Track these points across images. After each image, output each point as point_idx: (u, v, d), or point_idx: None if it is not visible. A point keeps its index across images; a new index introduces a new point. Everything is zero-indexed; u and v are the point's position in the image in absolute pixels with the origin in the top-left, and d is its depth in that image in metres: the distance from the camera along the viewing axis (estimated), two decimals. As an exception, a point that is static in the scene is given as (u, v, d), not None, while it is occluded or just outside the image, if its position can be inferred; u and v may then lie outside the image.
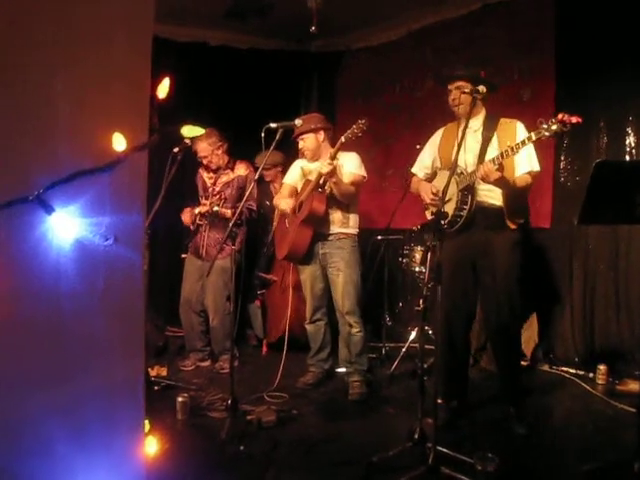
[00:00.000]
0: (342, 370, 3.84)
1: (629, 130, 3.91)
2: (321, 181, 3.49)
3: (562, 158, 4.21)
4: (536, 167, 2.95)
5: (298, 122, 3.10)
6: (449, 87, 3.07)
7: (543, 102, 4.22)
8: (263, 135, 3.01)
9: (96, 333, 1.36)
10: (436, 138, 3.29)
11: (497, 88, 3.10)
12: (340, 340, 3.74)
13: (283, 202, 3.74)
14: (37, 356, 1.31)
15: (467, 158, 3.01)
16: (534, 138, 2.61)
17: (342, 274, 3.59)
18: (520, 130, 2.95)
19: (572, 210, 3.95)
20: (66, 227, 1.29)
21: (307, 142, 3.64)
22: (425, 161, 3.34)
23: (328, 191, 3.52)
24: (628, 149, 3.92)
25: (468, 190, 2.95)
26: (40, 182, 1.25)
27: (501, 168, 2.80)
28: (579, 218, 2.58)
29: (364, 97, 5.68)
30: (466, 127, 2.79)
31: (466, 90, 2.92)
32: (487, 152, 2.96)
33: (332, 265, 3.62)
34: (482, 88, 2.89)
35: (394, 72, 5.41)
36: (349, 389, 3.59)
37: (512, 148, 2.72)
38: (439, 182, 3.10)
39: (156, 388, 3.61)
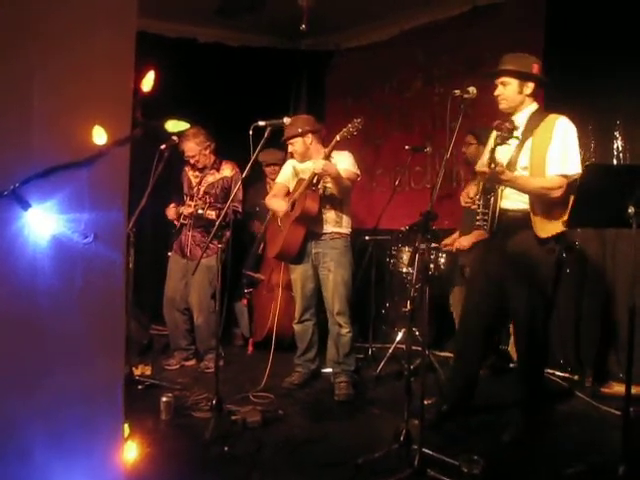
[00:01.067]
0: (328, 370, 3.82)
1: (617, 134, 3.91)
2: (314, 180, 3.48)
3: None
4: (572, 170, 2.72)
5: (286, 120, 3.08)
6: (495, 81, 2.93)
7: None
8: (251, 133, 2.99)
9: (74, 333, 1.32)
10: (492, 138, 3.21)
11: (546, 83, 2.99)
12: (329, 340, 3.73)
13: (275, 203, 3.72)
14: (11, 356, 1.26)
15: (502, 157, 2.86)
16: (492, 145, 2.66)
17: (333, 274, 3.58)
18: (559, 127, 2.77)
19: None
20: (43, 223, 1.25)
21: (295, 146, 3.65)
22: (485, 160, 3.25)
23: (321, 190, 3.51)
24: (616, 153, 3.92)
25: (489, 193, 2.83)
26: (16, 176, 1.20)
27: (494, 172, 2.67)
28: (568, 221, 2.58)
29: (354, 96, 5.67)
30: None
31: (510, 84, 2.85)
32: (520, 154, 2.81)
33: (324, 265, 3.61)
34: (472, 89, 2.87)
35: (384, 72, 5.40)
36: (335, 390, 3.58)
37: (490, 155, 2.66)
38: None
39: (140, 387, 3.57)
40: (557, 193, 2.72)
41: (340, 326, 3.61)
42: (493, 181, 2.74)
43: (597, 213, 2.49)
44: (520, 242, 2.84)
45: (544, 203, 2.77)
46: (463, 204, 3.10)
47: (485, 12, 4.59)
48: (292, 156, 3.76)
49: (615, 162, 3.89)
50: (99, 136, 1.27)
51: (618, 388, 3.57)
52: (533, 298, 2.85)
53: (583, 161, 3.90)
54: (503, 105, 2.92)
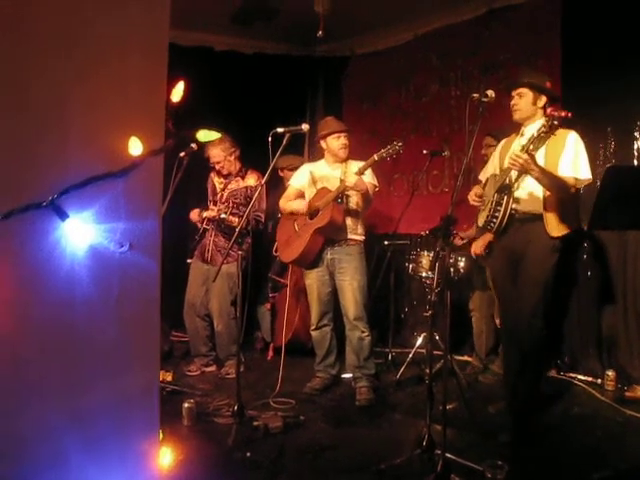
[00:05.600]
0: (349, 376, 3.82)
1: (637, 135, 3.88)
2: (341, 193, 3.53)
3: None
4: (582, 175, 2.90)
5: (305, 127, 3.10)
6: (512, 93, 3.08)
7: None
8: (270, 140, 3.01)
9: (110, 342, 1.34)
10: (499, 146, 3.31)
11: (558, 100, 3.14)
12: (348, 346, 3.72)
13: (295, 204, 3.76)
14: (50, 365, 1.29)
15: None
16: (536, 135, 2.74)
17: (351, 280, 3.60)
18: (571, 138, 2.94)
19: (580, 214, 3.93)
20: (80, 233, 1.28)
21: (349, 141, 3.68)
22: (489, 168, 3.33)
23: (345, 203, 3.57)
24: (636, 154, 3.89)
25: (504, 192, 2.97)
26: (54, 187, 1.23)
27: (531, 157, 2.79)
28: (589, 223, 2.57)
29: (370, 101, 5.68)
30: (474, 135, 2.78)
31: (526, 96, 2.99)
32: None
33: (340, 271, 3.63)
34: (491, 92, 2.88)
35: (400, 77, 5.40)
36: (356, 395, 3.57)
37: (529, 141, 2.77)
38: (488, 187, 3.15)
39: (162, 393, 3.59)
40: (572, 190, 2.92)
41: (360, 331, 3.62)
42: (528, 165, 2.79)
43: (618, 215, 2.47)
44: (528, 242, 2.98)
45: (559, 203, 2.90)
46: (472, 203, 3.17)
47: (501, 15, 4.58)
48: (339, 153, 3.68)
49: (636, 163, 3.86)
50: (135, 147, 1.30)
51: (642, 392, 3.53)
52: (534, 295, 2.97)
53: (603, 163, 3.95)
54: (517, 116, 3.09)
